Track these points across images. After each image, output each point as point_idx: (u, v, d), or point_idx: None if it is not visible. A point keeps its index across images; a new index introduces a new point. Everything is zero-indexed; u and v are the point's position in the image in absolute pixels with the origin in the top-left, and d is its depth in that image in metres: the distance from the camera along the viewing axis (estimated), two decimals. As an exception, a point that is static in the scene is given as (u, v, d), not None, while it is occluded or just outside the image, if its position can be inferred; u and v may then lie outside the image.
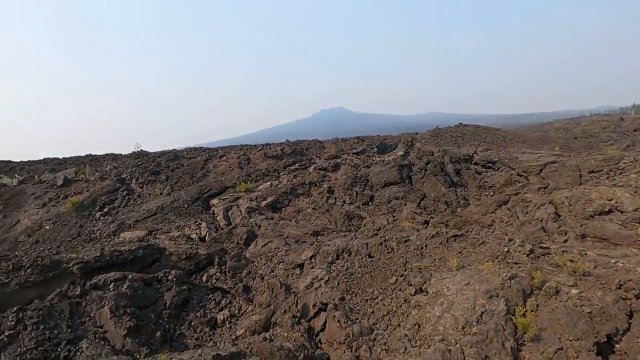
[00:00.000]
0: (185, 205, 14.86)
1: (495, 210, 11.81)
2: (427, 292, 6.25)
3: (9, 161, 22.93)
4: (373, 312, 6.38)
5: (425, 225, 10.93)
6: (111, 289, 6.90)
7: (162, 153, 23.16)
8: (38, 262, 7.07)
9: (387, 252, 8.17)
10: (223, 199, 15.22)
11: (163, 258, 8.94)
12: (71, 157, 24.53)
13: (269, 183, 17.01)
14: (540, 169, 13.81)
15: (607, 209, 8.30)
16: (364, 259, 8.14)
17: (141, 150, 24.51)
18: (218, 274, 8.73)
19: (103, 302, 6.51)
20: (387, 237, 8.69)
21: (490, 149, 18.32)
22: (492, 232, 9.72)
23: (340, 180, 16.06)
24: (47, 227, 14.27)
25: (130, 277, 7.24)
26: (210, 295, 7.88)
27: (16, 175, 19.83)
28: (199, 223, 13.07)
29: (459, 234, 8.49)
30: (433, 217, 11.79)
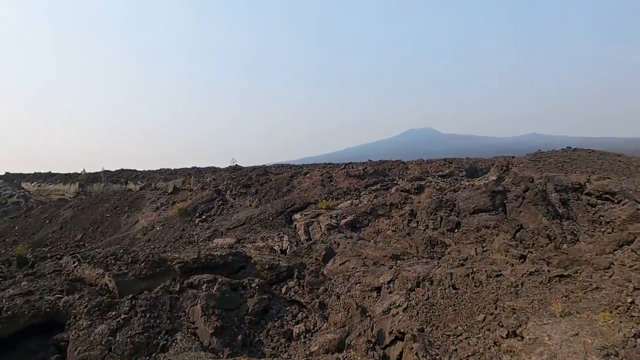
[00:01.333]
0: (271, 218, 15.81)
1: (615, 250, 9.93)
2: (522, 337, 5.49)
3: (135, 170, 27.46)
4: (456, 350, 5.83)
5: (522, 260, 9.71)
6: (203, 289, 7.62)
7: (254, 168, 25.23)
8: (150, 258, 8.21)
9: (475, 286, 7.45)
10: (305, 215, 15.80)
11: (248, 266, 9.59)
12: (180, 169, 28.32)
13: (349, 202, 17.14)
14: (679, 205, 11.27)
15: None
16: (447, 290, 7.55)
17: (236, 164, 27.07)
18: (296, 287, 9.00)
19: (196, 300, 7.22)
20: (475, 269, 7.94)
21: (608, 178, 15.63)
22: (610, 276, 8.15)
23: (423, 204, 15.36)
24: (158, 228, 16.56)
25: (220, 280, 7.91)
26: (288, 308, 8.14)
27: (139, 182, 23.60)
28: (282, 236, 13.75)
29: (565, 274, 7.33)
30: (531, 252, 10.42)
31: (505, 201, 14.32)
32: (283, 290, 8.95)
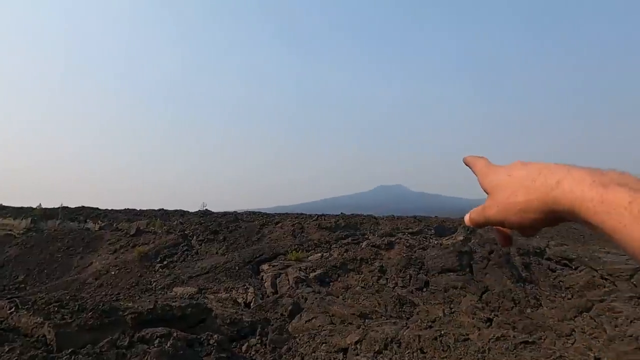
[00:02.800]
0: (237, 267, 15.16)
1: (575, 317, 10.17)
2: (490, 409, 5.31)
3: (96, 208, 26.04)
4: (423, 422, 5.52)
5: (488, 324, 9.69)
6: (155, 345, 6.95)
7: (224, 214, 24.65)
8: (99, 307, 7.51)
9: (443, 350, 7.28)
10: (273, 265, 15.30)
11: (209, 319, 8.95)
12: (147, 210, 27.15)
13: (319, 254, 16.87)
14: (630, 274, 11.93)
15: None
16: (415, 354, 7.32)
17: (206, 209, 26.38)
18: (258, 345, 8.43)
19: (146, 357, 6.55)
20: (443, 332, 7.82)
21: (565, 244, 16.50)
22: (572, 344, 8.26)
23: (393, 260, 15.37)
24: (113, 273, 15.38)
25: (175, 335, 7.28)
26: (248, 368, 7.54)
27: (99, 221, 22.30)
28: (247, 287, 13.11)
29: (529, 340, 7.36)
30: (497, 316, 10.47)
31: (472, 262, 14.61)
32: (244, 348, 8.34)
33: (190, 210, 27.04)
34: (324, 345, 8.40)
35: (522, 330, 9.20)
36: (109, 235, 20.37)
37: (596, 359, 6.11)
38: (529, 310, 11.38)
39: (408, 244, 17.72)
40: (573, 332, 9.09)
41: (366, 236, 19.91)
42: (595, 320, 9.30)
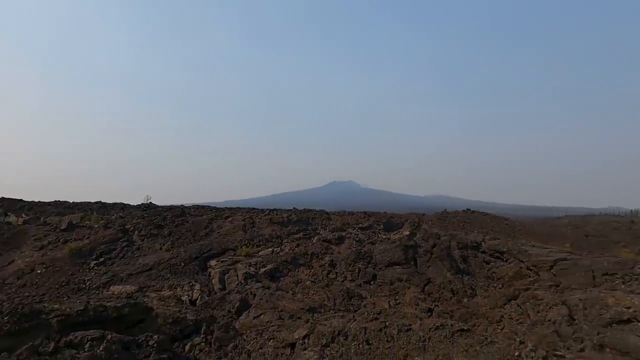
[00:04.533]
0: (182, 264, 14.47)
1: (505, 304, 11.12)
2: (428, 394, 5.60)
3: (20, 200, 23.33)
4: (366, 411, 5.67)
5: (429, 314, 10.26)
6: (86, 350, 6.38)
7: (170, 207, 23.38)
8: (18, 310, 6.71)
9: (387, 341, 7.55)
10: (222, 261, 14.83)
11: (149, 319, 8.42)
12: (81, 203, 24.90)
13: (270, 249, 16.68)
14: (551, 265, 13.30)
15: (625, 318, 7.71)
16: (361, 345, 7.51)
17: (150, 202, 24.84)
18: (203, 344, 8.10)
19: (74, 364, 5.98)
20: (387, 323, 8.11)
21: (498, 238, 17.98)
22: (502, 329, 9.02)
23: (343, 255, 15.66)
24: (39, 271, 13.88)
25: (109, 337, 6.73)
26: (191, 369, 7.21)
27: (23, 214, 20.00)
28: (193, 284, 12.57)
29: (465, 328, 7.89)
30: (438, 306, 11.13)
31: (416, 255, 15.37)
32: (187, 347, 7.96)
33: (132, 204, 25.27)
34: (271, 341, 8.31)
35: (459, 319, 9.86)
36: (35, 230, 18.33)
37: (520, 342, 6.72)
38: (465, 300, 12.24)
39: (358, 239, 18.17)
40: (502, 319, 9.93)
41: (318, 231, 20.07)
42: (521, 307, 10.23)
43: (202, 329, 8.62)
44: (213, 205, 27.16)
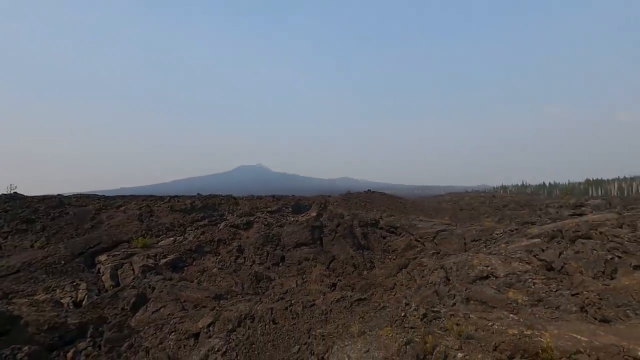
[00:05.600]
0: (62, 262, 12.54)
1: (397, 273, 12.52)
2: (328, 362, 6.03)
3: None
4: (272, 387, 5.85)
5: (333, 288, 10.96)
6: None
7: (44, 198, 19.82)
8: None
9: (292, 318, 7.84)
10: (114, 255, 13.30)
11: (16, 329, 7.14)
12: None
13: (172, 239, 15.57)
14: (433, 235, 15.39)
15: (485, 275, 9.43)
16: (267, 326, 7.63)
17: (15, 192, 20.68)
18: (90, 348, 7.23)
19: None
20: (293, 301, 8.40)
21: (393, 215, 19.99)
22: (394, 295, 10.16)
23: (251, 239, 15.53)
24: None
25: (-43, 357, 5.52)
26: (74, 378, 6.39)
27: None
28: (77, 284, 11.03)
29: (362, 297, 8.66)
30: (341, 280, 11.94)
31: (322, 235, 16.14)
32: (69, 355, 7.02)
33: (-10, 195, 20.63)
34: (173, 334, 7.87)
35: (359, 290, 10.77)
36: None
37: (406, 304, 7.69)
38: (365, 272, 13.42)
39: (266, 222, 18.20)
40: (395, 286, 11.19)
41: (225, 217, 19.44)
42: (410, 274, 11.67)
43: (89, 332, 7.69)
44: (101, 194, 23.89)
